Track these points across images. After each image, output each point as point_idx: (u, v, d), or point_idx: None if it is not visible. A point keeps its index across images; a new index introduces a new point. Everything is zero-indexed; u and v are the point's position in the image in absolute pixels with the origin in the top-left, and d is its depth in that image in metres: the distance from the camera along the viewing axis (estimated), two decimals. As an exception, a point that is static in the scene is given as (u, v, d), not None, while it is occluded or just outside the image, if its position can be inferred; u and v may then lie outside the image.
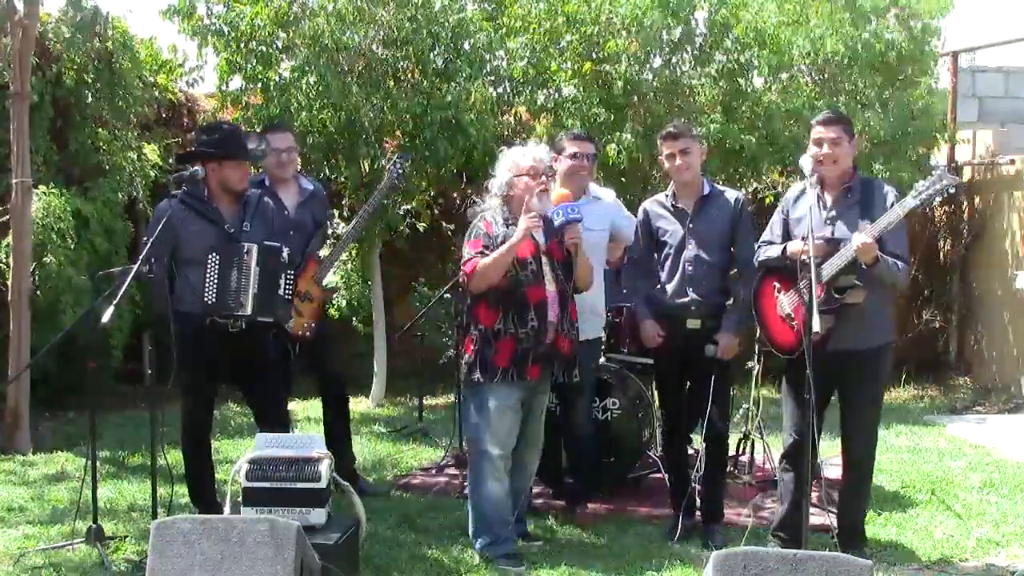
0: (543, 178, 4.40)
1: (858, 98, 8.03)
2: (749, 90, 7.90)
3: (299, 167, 5.80)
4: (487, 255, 4.30)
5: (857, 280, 4.06)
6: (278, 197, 5.35)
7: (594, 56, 7.75)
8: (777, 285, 4.34)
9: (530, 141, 5.11)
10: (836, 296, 4.07)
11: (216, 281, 4.50)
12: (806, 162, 4.15)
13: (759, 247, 4.48)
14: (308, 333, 5.36)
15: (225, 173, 4.64)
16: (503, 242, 4.31)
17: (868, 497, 4.50)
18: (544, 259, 4.39)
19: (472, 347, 4.39)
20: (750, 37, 7.59)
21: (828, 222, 4.23)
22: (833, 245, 4.11)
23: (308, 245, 5.39)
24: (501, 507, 4.42)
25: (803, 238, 4.07)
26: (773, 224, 4.47)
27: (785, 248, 4.29)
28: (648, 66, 7.71)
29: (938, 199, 3.94)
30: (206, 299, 4.50)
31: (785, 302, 4.30)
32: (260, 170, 5.52)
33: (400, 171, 5.72)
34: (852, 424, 4.31)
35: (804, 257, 4.09)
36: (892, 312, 4.42)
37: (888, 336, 4.35)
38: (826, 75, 8.19)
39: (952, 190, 3.93)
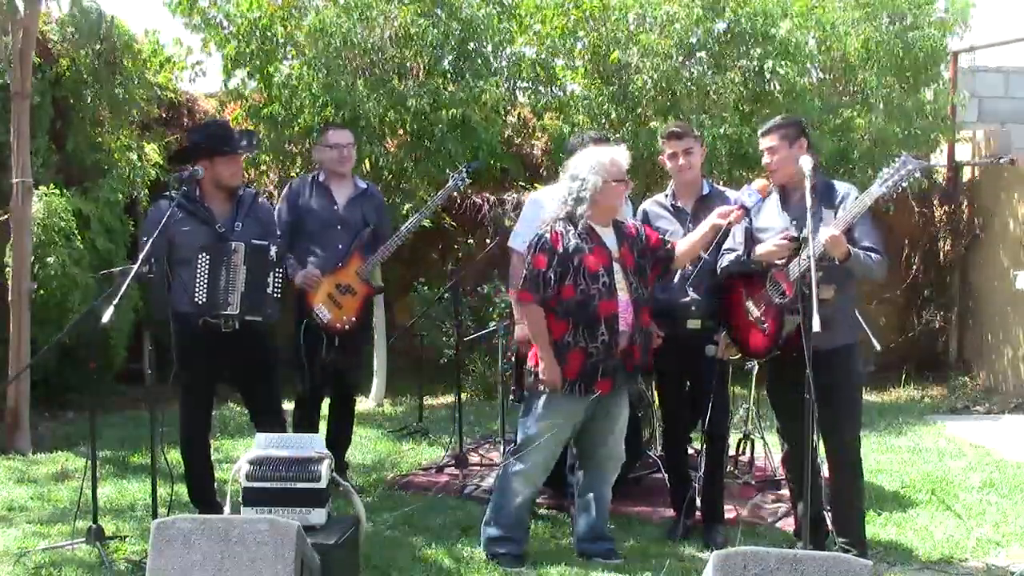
0: (629, 185, 4.33)
1: (869, 98, 8.05)
2: (765, 94, 7.90)
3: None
4: (550, 274, 4.15)
5: (823, 276, 3.95)
6: (330, 192, 5.43)
7: (619, 49, 7.74)
8: (744, 291, 4.32)
9: (585, 136, 5.01)
10: (807, 293, 3.96)
11: (206, 281, 4.52)
12: (806, 162, 4.13)
13: (721, 254, 4.45)
14: (347, 327, 5.36)
15: (217, 169, 4.66)
16: (569, 256, 4.16)
17: (861, 496, 4.45)
18: (616, 267, 4.25)
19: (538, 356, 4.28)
20: (776, 48, 7.57)
21: (792, 224, 4.20)
22: (797, 244, 4.07)
23: (354, 241, 5.40)
24: (521, 507, 4.42)
25: (794, 238, 4.07)
26: (735, 232, 4.42)
27: (751, 253, 4.27)
28: (669, 64, 7.71)
29: (904, 184, 3.90)
30: (196, 299, 4.52)
31: (753, 306, 4.27)
32: (316, 167, 5.65)
33: (463, 179, 5.67)
34: (832, 426, 4.16)
35: (775, 259, 4.12)
36: (854, 311, 4.36)
37: (853, 335, 4.30)
38: (834, 75, 8.21)
39: (918, 174, 3.89)
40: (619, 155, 4.30)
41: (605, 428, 4.40)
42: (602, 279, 4.18)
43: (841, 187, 4.27)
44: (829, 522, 4.32)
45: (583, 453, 4.52)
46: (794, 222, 4.19)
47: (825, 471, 4.37)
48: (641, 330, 4.29)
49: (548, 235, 4.23)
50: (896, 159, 3.92)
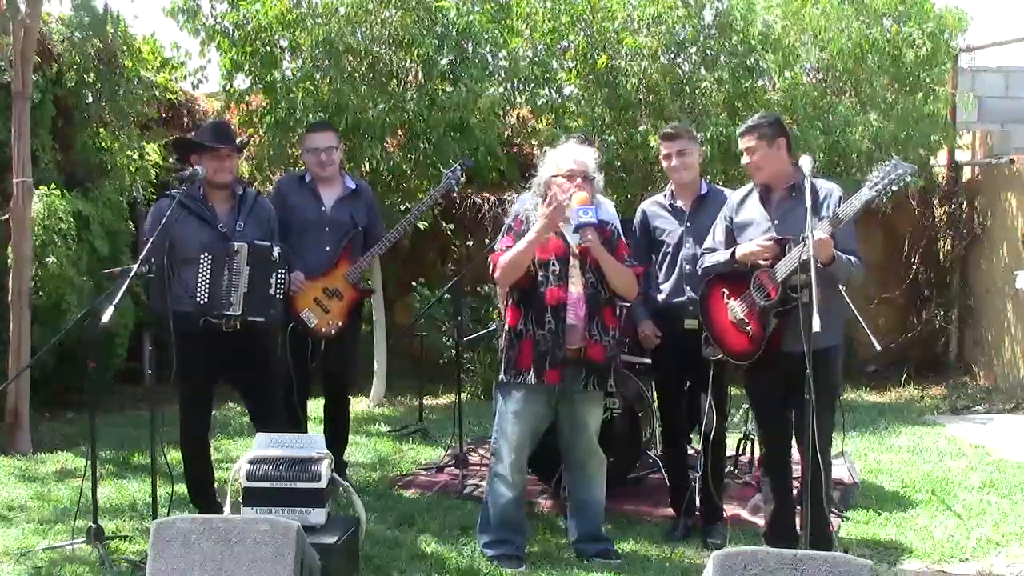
0: (577, 180, 4.28)
1: (862, 99, 8.05)
2: (756, 93, 7.87)
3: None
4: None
5: (806, 279, 3.87)
6: (317, 193, 5.39)
7: (608, 52, 7.74)
8: (726, 291, 4.27)
9: (570, 140, 5.05)
10: (792, 296, 3.95)
11: (208, 281, 4.52)
12: (805, 162, 4.10)
13: (702, 253, 4.43)
14: (332, 331, 5.32)
15: (203, 165, 4.65)
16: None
17: (829, 501, 4.31)
18: (574, 261, 4.29)
19: (503, 346, 4.40)
20: (757, 40, 7.57)
21: (775, 222, 4.15)
22: (781, 245, 4.03)
23: (342, 243, 5.36)
24: (506, 509, 4.42)
25: (782, 240, 4.04)
26: (715, 230, 4.40)
27: (734, 252, 4.23)
28: (658, 64, 7.70)
29: (894, 188, 3.86)
30: (198, 299, 4.52)
31: (736, 308, 4.22)
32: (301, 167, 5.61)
33: (458, 177, 5.62)
34: (802, 427, 4.02)
35: (759, 260, 4.08)
36: (840, 313, 4.28)
37: (836, 338, 4.21)
38: (830, 76, 8.21)
39: (908, 179, 3.86)
40: (574, 152, 4.42)
41: (573, 429, 4.43)
42: (552, 267, 4.27)
43: (823, 186, 4.19)
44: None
45: (564, 457, 4.57)
46: (775, 222, 4.17)
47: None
48: (604, 329, 4.29)
49: (513, 221, 4.45)
50: (886, 163, 3.89)
